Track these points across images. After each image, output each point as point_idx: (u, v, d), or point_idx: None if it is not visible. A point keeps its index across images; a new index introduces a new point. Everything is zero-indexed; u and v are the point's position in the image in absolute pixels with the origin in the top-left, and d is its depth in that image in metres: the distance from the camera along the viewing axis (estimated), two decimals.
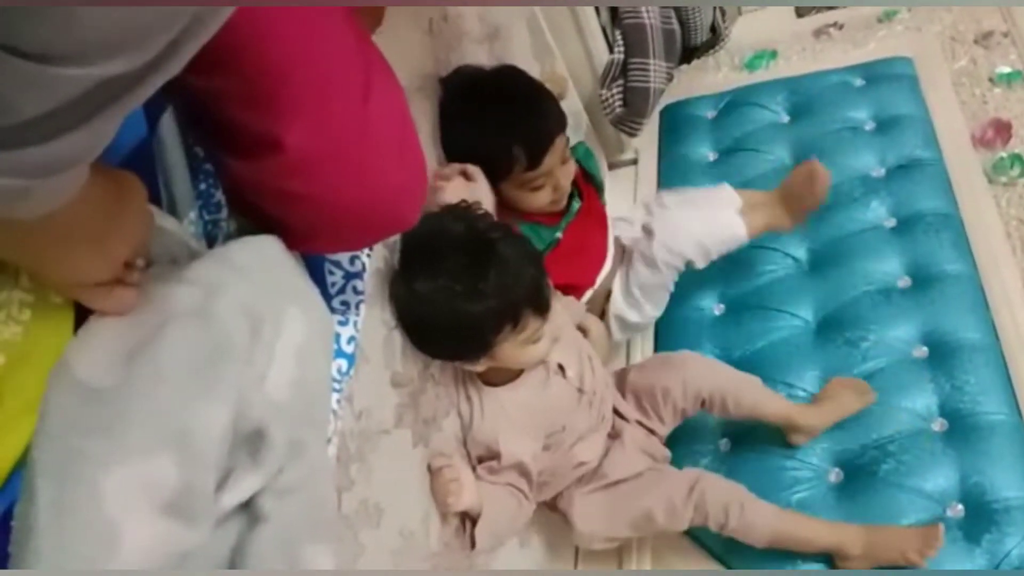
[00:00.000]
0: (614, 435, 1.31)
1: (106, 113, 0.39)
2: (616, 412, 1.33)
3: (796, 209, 1.45)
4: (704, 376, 1.32)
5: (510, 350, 1.08)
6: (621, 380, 1.37)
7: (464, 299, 1.00)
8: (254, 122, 0.62)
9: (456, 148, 1.22)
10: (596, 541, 1.27)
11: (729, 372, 1.34)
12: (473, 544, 1.07)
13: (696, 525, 1.23)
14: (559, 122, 1.29)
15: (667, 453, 1.36)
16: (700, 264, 1.43)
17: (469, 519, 1.08)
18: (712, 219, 1.44)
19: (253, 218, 0.73)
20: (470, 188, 1.17)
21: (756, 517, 1.20)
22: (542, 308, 1.07)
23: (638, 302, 1.47)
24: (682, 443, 1.40)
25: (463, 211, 1.08)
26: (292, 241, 0.72)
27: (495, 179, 1.27)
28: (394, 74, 0.73)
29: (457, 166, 1.19)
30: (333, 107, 0.64)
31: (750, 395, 1.31)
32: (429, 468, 1.03)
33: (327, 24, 0.64)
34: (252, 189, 0.68)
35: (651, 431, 1.33)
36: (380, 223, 0.74)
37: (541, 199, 1.31)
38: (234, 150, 0.66)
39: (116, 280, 0.59)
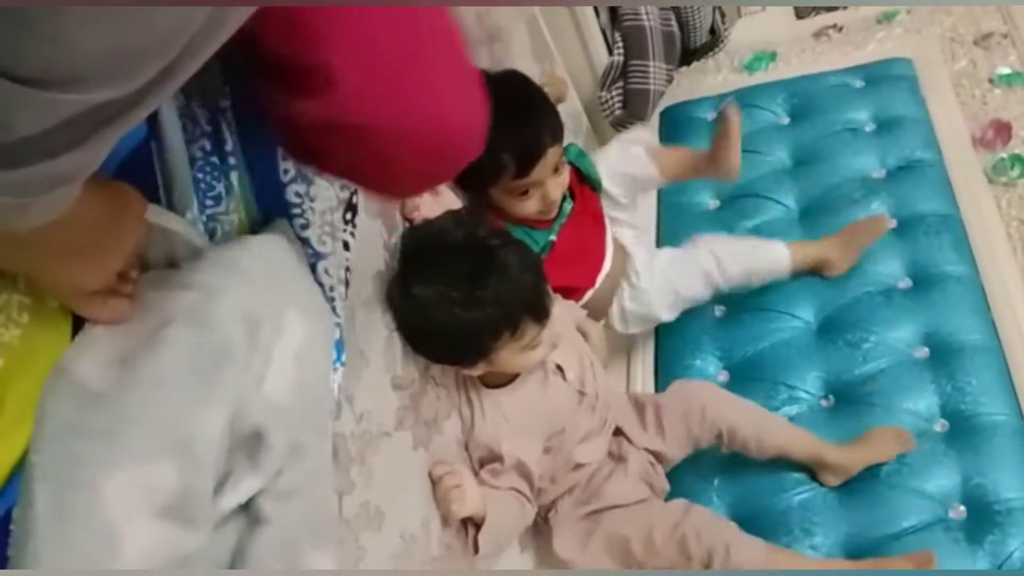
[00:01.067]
0: (619, 458, 1.28)
1: (101, 135, 0.39)
2: (624, 434, 1.30)
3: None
4: (723, 409, 1.27)
5: (508, 356, 1.08)
6: (638, 403, 1.34)
7: (461, 306, 0.99)
8: (298, 54, 0.58)
9: None
10: (575, 565, 1.23)
11: (751, 408, 1.30)
12: (476, 549, 1.07)
13: (677, 565, 1.18)
14: (554, 133, 1.27)
15: (666, 487, 1.32)
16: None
17: (472, 524, 1.07)
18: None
19: (315, 164, 0.70)
20: (440, 202, 1.16)
21: (742, 559, 1.15)
22: (541, 316, 1.06)
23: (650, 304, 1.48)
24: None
25: (464, 217, 1.08)
26: (363, 184, 0.69)
27: (484, 184, 1.27)
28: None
29: None
30: (379, 26, 0.58)
31: (775, 436, 1.27)
32: (431, 476, 1.02)
33: None
34: (309, 128, 0.63)
35: (658, 457, 1.30)
36: (444, 148, 0.67)
37: (528, 207, 1.30)
38: (287, 88, 0.60)
39: (110, 290, 0.58)
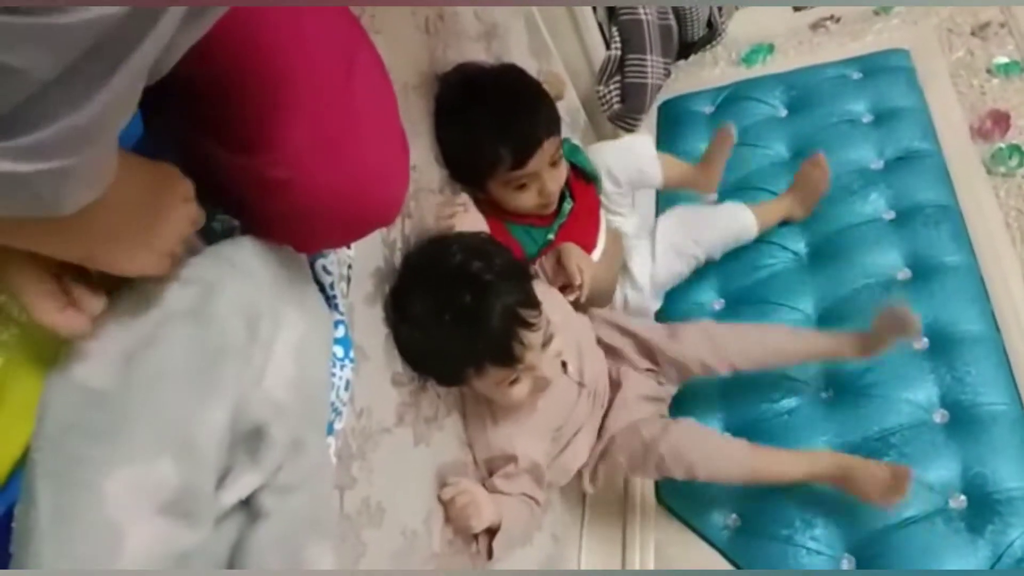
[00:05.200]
0: (615, 385, 1.32)
1: (121, 69, 0.38)
2: (622, 357, 1.34)
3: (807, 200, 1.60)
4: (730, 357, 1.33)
5: (484, 388, 1.08)
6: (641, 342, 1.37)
7: (426, 338, 1.00)
8: (240, 115, 0.61)
9: (447, 144, 1.22)
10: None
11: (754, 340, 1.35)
12: (490, 555, 1.07)
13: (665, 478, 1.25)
14: (550, 125, 1.27)
15: (671, 392, 1.38)
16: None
17: (486, 531, 1.08)
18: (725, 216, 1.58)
19: (231, 207, 0.71)
20: (472, 218, 1.18)
21: (723, 471, 1.21)
22: (505, 362, 1.03)
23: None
24: None
25: (468, 243, 1.07)
26: (273, 235, 0.70)
27: (482, 178, 1.27)
28: (378, 53, 0.72)
29: (461, 198, 1.21)
30: (319, 95, 0.62)
31: (786, 355, 1.35)
32: (441, 500, 1.03)
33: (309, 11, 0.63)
34: (232, 175, 0.65)
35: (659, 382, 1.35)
36: (362, 213, 0.71)
37: (526, 200, 1.30)
38: (222, 139, 0.63)
39: (68, 303, 0.56)
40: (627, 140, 1.65)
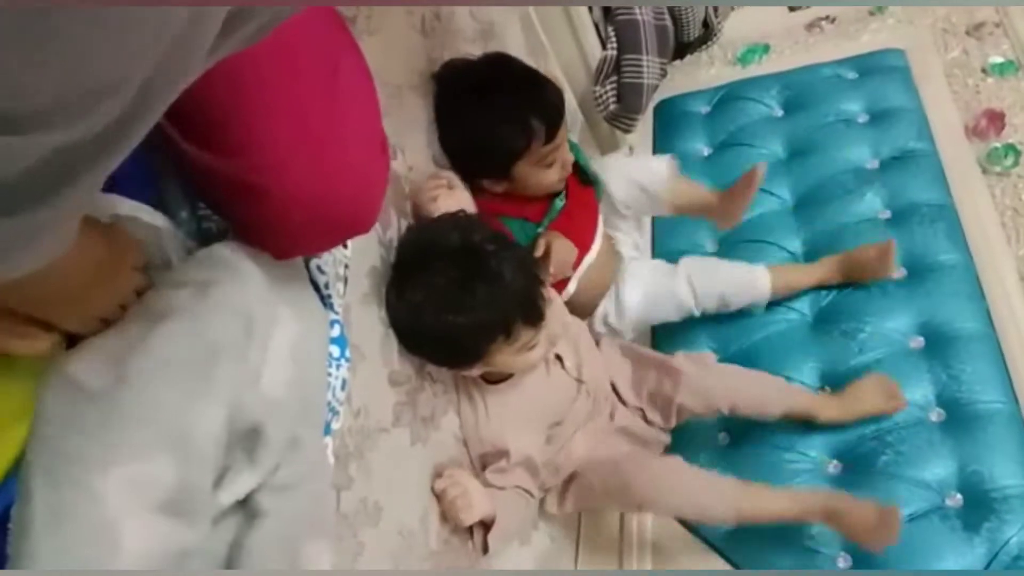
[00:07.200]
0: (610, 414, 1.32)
1: (75, 183, 0.37)
2: (616, 392, 1.33)
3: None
4: (727, 393, 1.30)
5: (504, 358, 1.08)
6: (640, 361, 1.36)
7: (452, 312, 1.00)
8: (222, 119, 0.60)
9: (461, 140, 1.21)
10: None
11: (751, 383, 1.33)
12: (486, 549, 1.07)
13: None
14: (560, 93, 1.29)
15: (662, 439, 1.36)
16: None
17: (480, 525, 1.08)
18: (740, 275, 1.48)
19: (214, 209, 0.71)
20: (456, 197, 1.17)
21: (709, 512, 1.19)
22: (534, 319, 1.06)
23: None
24: (681, 436, 1.40)
25: (460, 220, 1.08)
26: (251, 240, 0.69)
27: (511, 160, 1.25)
28: (363, 57, 0.71)
29: (444, 175, 1.18)
30: (302, 100, 0.62)
31: (774, 404, 1.31)
32: (434, 491, 1.03)
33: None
34: (209, 175, 0.65)
35: (649, 422, 1.33)
36: (340, 218, 0.70)
37: (551, 176, 1.31)
38: (197, 138, 0.62)
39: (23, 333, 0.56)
40: (644, 158, 1.56)
